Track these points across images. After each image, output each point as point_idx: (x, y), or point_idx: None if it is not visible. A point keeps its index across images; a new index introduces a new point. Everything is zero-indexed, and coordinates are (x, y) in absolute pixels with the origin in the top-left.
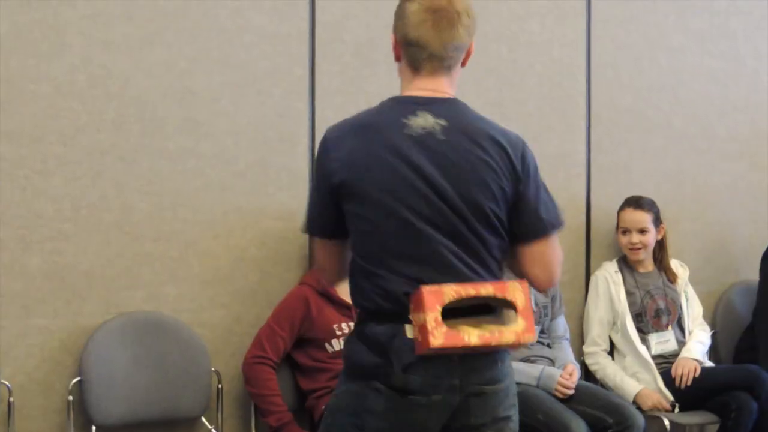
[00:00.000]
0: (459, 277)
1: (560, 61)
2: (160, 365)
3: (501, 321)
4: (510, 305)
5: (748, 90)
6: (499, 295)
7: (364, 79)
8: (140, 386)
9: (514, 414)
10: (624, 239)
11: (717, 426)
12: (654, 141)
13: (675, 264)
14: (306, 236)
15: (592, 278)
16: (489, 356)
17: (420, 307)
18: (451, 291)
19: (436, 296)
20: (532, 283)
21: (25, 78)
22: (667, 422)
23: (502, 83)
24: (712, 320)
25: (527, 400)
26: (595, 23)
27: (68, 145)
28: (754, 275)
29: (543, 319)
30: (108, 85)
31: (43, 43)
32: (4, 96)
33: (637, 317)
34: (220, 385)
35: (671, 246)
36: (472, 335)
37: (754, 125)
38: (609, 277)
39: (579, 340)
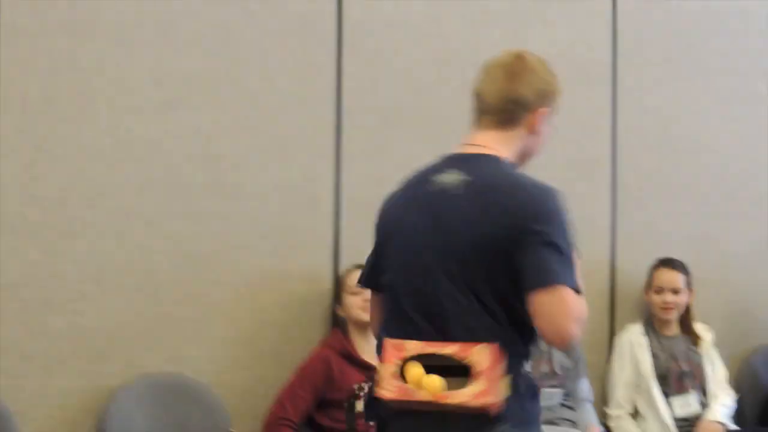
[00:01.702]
0: (427, 336)
1: (586, 124)
2: (180, 427)
3: (464, 382)
4: (467, 367)
5: None
6: (459, 356)
7: (390, 144)
8: None
9: None
10: (657, 298)
11: None
12: (679, 204)
13: (699, 327)
14: (329, 298)
15: (617, 340)
16: (468, 419)
17: (380, 359)
18: (413, 347)
19: (398, 350)
20: (542, 337)
21: (53, 142)
22: None
23: None
24: (737, 384)
25: None
26: (620, 88)
27: (93, 207)
28: None
29: (566, 382)
30: (134, 149)
31: (70, 109)
32: (32, 160)
33: (662, 380)
34: None
35: (695, 309)
36: (423, 392)
37: None
38: (635, 339)
39: (601, 402)
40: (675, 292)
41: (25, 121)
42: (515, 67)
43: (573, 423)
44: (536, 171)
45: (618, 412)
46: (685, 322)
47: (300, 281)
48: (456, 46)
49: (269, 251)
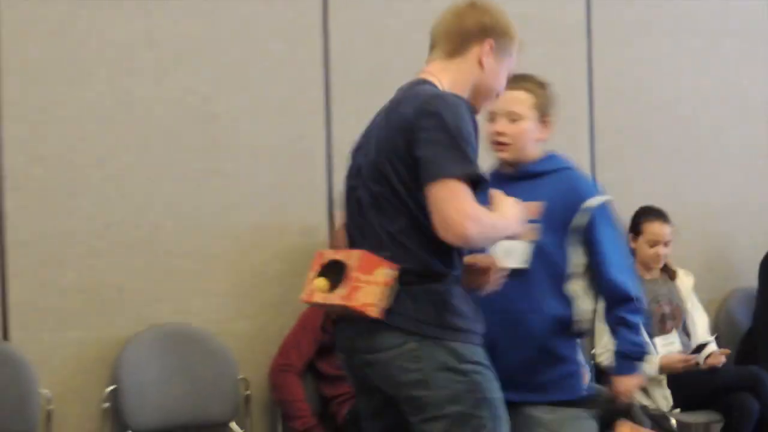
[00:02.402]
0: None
1: (563, 83)
2: (189, 374)
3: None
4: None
5: (742, 107)
6: (343, 259)
7: (377, 100)
8: (172, 394)
9: (422, 388)
10: (651, 251)
11: (721, 425)
12: (653, 157)
13: (681, 273)
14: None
15: None
16: (365, 323)
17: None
18: (328, 255)
19: (319, 257)
20: (438, 233)
21: (55, 104)
22: (674, 421)
23: None
24: (715, 325)
25: None
26: (595, 48)
27: (97, 167)
28: (753, 282)
29: None
30: (133, 110)
31: (70, 71)
32: (36, 122)
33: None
34: (247, 392)
35: (674, 256)
36: (316, 294)
37: (750, 140)
38: None
39: (589, 344)
40: (666, 244)
41: (27, 84)
42: (463, 7)
43: None
44: None
45: (604, 350)
46: (665, 266)
47: (297, 234)
48: (436, 7)
49: (267, 206)
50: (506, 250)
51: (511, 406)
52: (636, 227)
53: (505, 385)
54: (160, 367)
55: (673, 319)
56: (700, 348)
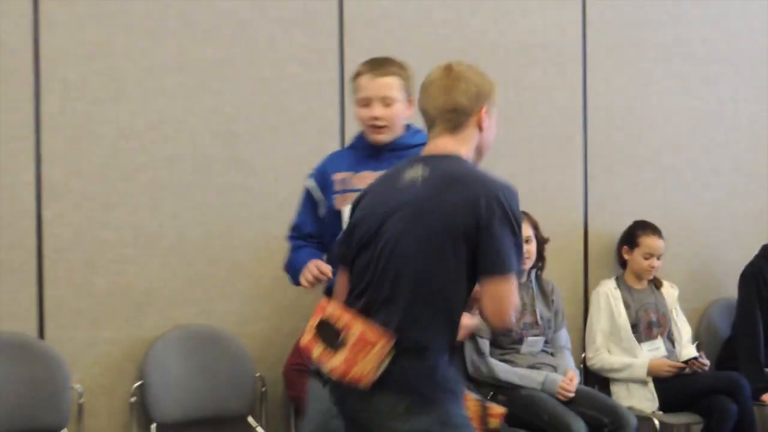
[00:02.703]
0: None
1: (560, 104)
2: (211, 371)
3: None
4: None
5: (727, 128)
6: (344, 327)
7: None
8: (194, 389)
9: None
10: (646, 263)
11: (701, 426)
12: (644, 174)
13: (666, 285)
14: None
15: (594, 294)
16: (357, 388)
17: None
18: (330, 311)
19: (322, 308)
20: (485, 318)
21: (92, 122)
22: (656, 422)
23: (510, 124)
24: (697, 333)
25: (533, 402)
26: (590, 70)
27: (129, 180)
28: (733, 293)
29: (547, 331)
30: (163, 129)
31: (106, 92)
32: (73, 138)
33: (633, 328)
34: (263, 389)
35: (661, 267)
36: (317, 350)
37: (734, 160)
38: (609, 292)
39: (578, 349)
40: (659, 257)
41: (65, 103)
42: (447, 80)
43: (553, 367)
44: (516, 146)
45: (596, 354)
46: (652, 277)
47: None
48: (444, 35)
49: (284, 217)
50: None
51: None
52: (632, 239)
53: None
54: (183, 364)
55: (659, 326)
56: (691, 360)
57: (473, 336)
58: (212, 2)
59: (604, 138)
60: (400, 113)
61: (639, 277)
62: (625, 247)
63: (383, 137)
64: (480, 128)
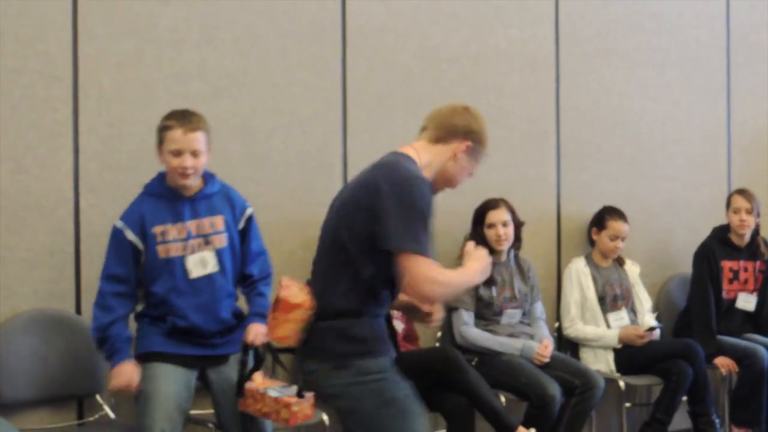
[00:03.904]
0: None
1: (535, 105)
2: None
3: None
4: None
5: (681, 127)
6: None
7: (386, 121)
8: None
9: (339, 400)
10: (611, 244)
11: (661, 387)
12: (609, 166)
13: (629, 262)
14: None
15: (566, 270)
16: (300, 350)
17: None
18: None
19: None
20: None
21: (123, 123)
22: (622, 383)
23: (492, 123)
24: (656, 304)
25: (513, 367)
26: (562, 76)
27: (156, 173)
28: (687, 270)
29: (524, 304)
30: None
31: (136, 96)
32: (107, 136)
33: (600, 300)
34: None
35: (624, 247)
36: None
37: (687, 154)
38: (579, 269)
39: (552, 319)
40: (623, 239)
41: (100, 106)
42: (459, 107)
43: (530, 336)
44: (497, 142)
45: (571, 323)
46: (617, 257)
47: (318, 229)
48: (434, 44)
49: (294, 206)
50: (200, 260)
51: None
52: (600, 222)
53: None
54: None
55: (623, 299)
56: (651, 330)
57: (458, 308)
58: (231, 17)
59: (574, 135)
60: (204, 162)
61: (605, 256)
62: (594, 228)
63: (190, 182)
64: (454, 156)
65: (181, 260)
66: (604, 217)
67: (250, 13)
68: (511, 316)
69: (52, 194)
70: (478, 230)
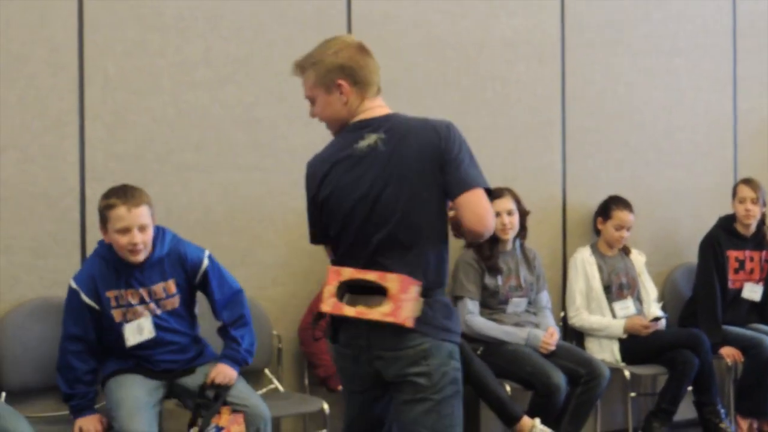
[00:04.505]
0: (369, 266)
1: (541, 94)
2: None
3: (379, 302)
4: (384, 291)
5: (687, 115)
6: (378, 281)
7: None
8: (219, 345)
9: (424, 378)
10: (617, 234)
11: (666, 376)
12: (614, 155)
13: (634, 252)
14: None
15: (572, 260)
16: (390, 328)
17: (326, 282)
18: (347, 272)
19: (336, 274)
20: (466, 228)
21: (129, 111)
22: (627, 372)
23: (497, 112)
24: (662, 294)
25: (518, 356)
26: (568, 65)
27: (161, 162)
28: (693, 259)
29: (530, 293)
30: (192, 116)
31: (141, 84)
32: (112, 125)
33: (606, 289)
34: (280, 345)
35: (630, 236)
36: (349, 309)
37: (693, 142)
38: (585, 259)
39: (557, 308)
40: (628, 229)
41: (106, 94)
42: (366, 49)
43: (535, 325)
44: (503, 131)
45: (577, 312)
46: (623, 246)
47: None
48: (439, 32)
49: (299, 194)
50: (138, 327)
51: None
52: (606, 212)
53: None
54: (208, 324)
55: (628, 288)
56: (656, 320)
57: (464, 297)
58: (236, 5)
59: (579, 123)
60: (151, 234)
61: (610, 245)
62: (599, 218)
63: (140, 257)
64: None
65: (123, 326)
66: (609, 206)
67: (255, 1)
68: (517, 305)
69: (57, 183)
70: None
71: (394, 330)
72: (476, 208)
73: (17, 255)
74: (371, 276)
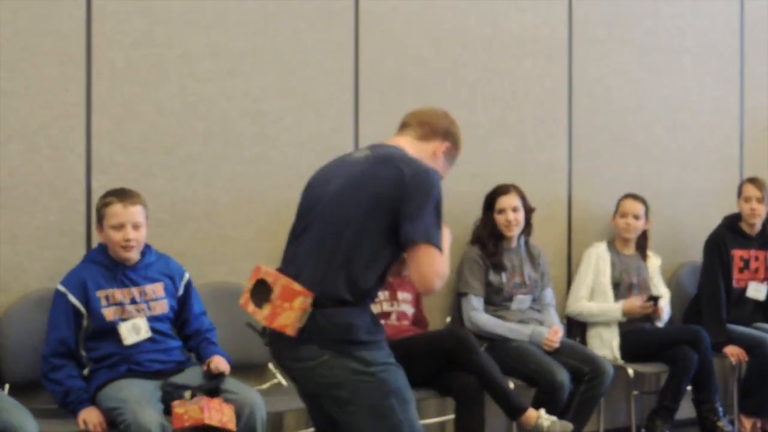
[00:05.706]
0: (287, 265)
1: (548, 90)
2: (236, 323)
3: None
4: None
5: (693, 113)
6: (271, 283)
7: (398, 104)
8: (222, 339)
9: (343, 391)
10: (622, 221)
11: (667, 373)
12: (620, 152)
13: (651, 255)
14: None
15: (586, 253)
16: (288, 337)
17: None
18: (262, 272)
19: (255, 272)
20: (411, 282)
21: (135, 102)
22: (630, 370)
23: (505, 108)
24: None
25: (522, 353)
26: (575, 62)
27: (168, 154)
28: (698, 258)
29: (534, 290)
30: (198, 108)
31: (148, 76)
32: (119, 117)
33: (615, 287)
34: None
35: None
36: (250, 306)
37: (699, 140)
38: (600, 254)
39: (562, 306)
40: (636, 217)
41: (113, 86)
42: (440, 111)
43: (539, 322)
44: (509, 127)
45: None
46: (641, 245)
47: None
48: (446, 28)
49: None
50: (134, 327)
51: None
52: (617, 208)
53: None
54: (213, 317)
55: (638, 288)
56: (653, 299)
57: (468, 294)
58: None
59: (585, 121)
60: (144, 235)
61: (624, 240)
62: (614, 215)
63: (133, 255)
64: (434, 155)
65: (117, 324)
66: (619, 202)
67: None
68: (521, 302)
69: (64, 174)
70: (488, 215)
71: (290, 340)
72: (420, 267)
73: (22, 245)
74: (270, 277)
